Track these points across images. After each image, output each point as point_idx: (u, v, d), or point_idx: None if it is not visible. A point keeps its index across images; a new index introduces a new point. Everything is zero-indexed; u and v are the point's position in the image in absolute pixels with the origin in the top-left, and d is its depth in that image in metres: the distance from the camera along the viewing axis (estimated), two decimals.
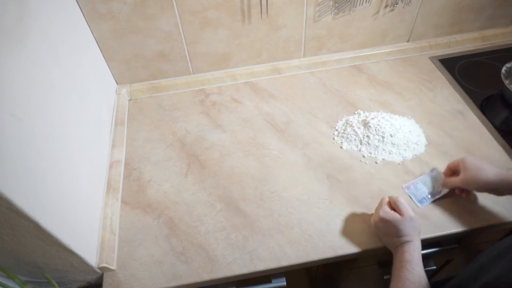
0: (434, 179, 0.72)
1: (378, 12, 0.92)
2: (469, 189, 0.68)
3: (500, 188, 0.63)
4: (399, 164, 0.77)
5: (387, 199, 0.65)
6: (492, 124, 0.83)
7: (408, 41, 1.02)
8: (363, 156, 0.79)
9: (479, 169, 0.63)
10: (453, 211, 0.69)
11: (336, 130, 0.85)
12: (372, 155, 0.79)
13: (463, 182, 0.65)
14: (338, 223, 0.69)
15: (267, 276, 0.69)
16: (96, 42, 0.84)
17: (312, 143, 0.83)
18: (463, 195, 0.70)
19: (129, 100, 0.96)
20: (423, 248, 0.62)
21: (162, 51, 0.90)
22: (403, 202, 0.63)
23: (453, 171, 0.69)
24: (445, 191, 0.70)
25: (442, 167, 0.72)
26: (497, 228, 0.69)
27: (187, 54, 0.92)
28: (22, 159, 0.47)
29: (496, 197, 0.70)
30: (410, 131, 0.80)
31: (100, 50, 0.86)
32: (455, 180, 0.67)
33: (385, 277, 0.81)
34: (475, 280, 0.46)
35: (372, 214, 0.70)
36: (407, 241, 0.59)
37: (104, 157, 0.78)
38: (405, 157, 0.78)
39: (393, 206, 0.64)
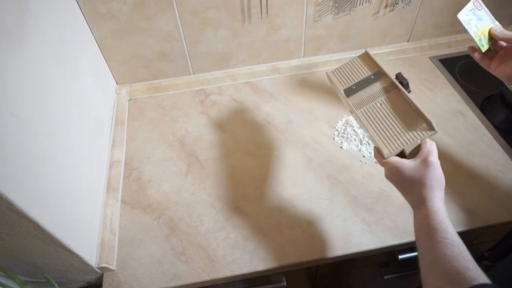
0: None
1: (378, 12, 0.92)
2: None
3: None
4: None
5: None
6: (492, 124, 0.83)
7: (408, 41, 1.02)
8: (363, 156, 0.79)
9: None
10: (452, 211, 0.69)
11: (336, 130, 0.85)
12: (372, 155, 0.79)
13: None
14: (338, 223, 0.69)
15: (267, 276, 0.69)
16: (96, 42, 0.84)
17: (312, 143, 0.83)
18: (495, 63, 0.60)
19: (129, 100, 0.96)
20: None
21: (162, 51, 0.90)
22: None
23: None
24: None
25: (442, 166, 0.71)
26: (497, 228, 0.69)
27: (187, 54, 0.92)
28: (22, 159, 0.47)
29: (496, 197, 0.70)
30: None
31: (100, 50, 0.86)
32: None
33: (385, 277, 0.81)
34: None
35: (372, 214, 0.70)
36: (424, 202, 0.47)
37: (104, 157, 0.78)
38: None
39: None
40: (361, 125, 0.57)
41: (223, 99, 0.95)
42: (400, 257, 0.73)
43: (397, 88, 0.56)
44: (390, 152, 0.51)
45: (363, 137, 0.81)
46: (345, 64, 0.63)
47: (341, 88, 0.60)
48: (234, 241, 0.68)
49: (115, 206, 0.72)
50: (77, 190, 0.61)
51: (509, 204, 0.69)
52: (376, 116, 0.55)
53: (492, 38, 0.61)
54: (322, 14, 0.89)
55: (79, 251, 0.57)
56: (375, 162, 0.78)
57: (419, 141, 0.51)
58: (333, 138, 0.83)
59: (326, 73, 0.64)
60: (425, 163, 0.48)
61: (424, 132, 0.51)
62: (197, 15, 0.84)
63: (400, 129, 0.52)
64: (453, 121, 0.85)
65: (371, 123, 0.55)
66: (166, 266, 0.65)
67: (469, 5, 0.61)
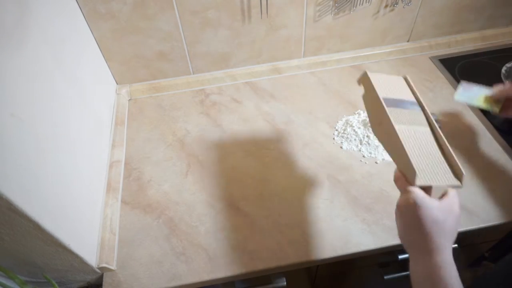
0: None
1: (378, 12, 0.92)
2: None
3: None
4: None
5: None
6: (492, 124, 0.83)
7: (408, 41, 1.02)
8: (363, 156, 0.79)
9: None
10: None
11: (336, 130, 0.85)
12: (372, 155, 0.79)
13: None
14: (338, 223, 0.69)
15: (267, 276, 0.70)
16: (96, 42, 0.85)
17: (312, 143, 0.83)
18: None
19: (129, 100, 0.96)
20: None
21: (162, 51, 0.90)
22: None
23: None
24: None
25: None
26: (497, 228, 0.69)
27: (187, 54, 0.92)
28: (22, 159, 0.47)
29: (496, 198, 0.70)
30: None
31: (100, 50, 0.86)
32: None
33: (385, 277, 0.81)
34: None
35: (372, 214, 0.70)
36: (439, 249, 0.44)
37: (104, 157, 0.78)
38: None
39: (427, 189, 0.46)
40: (388, 142, 0.53)
41: (223, 99, 0.95)
42: (400, 257, 0.73)
43: (434, 128, 0.53)
44: (424, 182, 0.47)
45: (363, 137, 0.81)
46: (385, 75, 0.59)
47: (381, 95, 0.54)
48: (234, 241, 0.68)
49: (115, 206, 0.72)
50: (77, 190, 0.61)
51: (509, 204, 0.69)
52: (416, 141, 0.51)
53: (498, 100, 0.66)
54: (322, 14, 0.89)
55: (79, 251, 0.57)
56: (375, 163, 0.78)
57: (446, 187, 0.47)
58: (333, 138, 0.83)
59: (365, 71, 0.58)
60: (452, 210, 0.45)
61: (455, 180, 0.48)
62: (197, 15, 0.84)
63: (438, 166, 0.49)
64: (453, 121, 0.85)
65: (408, 145, 0.50)
66: (166, 266, 0.65)
67: (460, 90, 0.66)
